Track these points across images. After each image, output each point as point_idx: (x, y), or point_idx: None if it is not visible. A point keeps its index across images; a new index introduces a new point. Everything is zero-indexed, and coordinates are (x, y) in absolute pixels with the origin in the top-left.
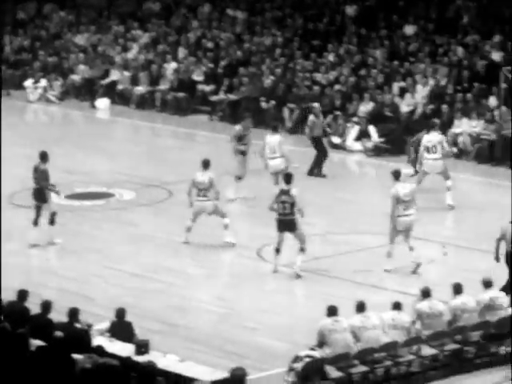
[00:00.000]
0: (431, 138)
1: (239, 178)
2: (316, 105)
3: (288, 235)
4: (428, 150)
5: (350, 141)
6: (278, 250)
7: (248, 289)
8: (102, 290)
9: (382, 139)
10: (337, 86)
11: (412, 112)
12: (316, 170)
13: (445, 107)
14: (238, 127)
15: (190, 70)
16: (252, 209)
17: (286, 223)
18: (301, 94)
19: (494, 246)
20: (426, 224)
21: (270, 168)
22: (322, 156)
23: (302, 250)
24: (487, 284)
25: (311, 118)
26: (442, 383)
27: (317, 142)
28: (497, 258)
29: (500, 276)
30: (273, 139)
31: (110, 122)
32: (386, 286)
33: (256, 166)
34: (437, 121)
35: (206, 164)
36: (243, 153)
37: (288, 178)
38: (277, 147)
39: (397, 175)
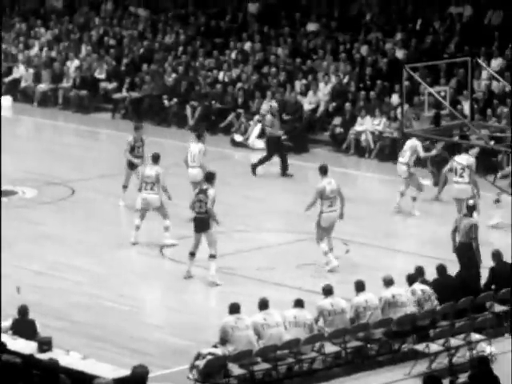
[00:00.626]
0: None
1: (125, 187)
2: (274, 104)
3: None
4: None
5: (253, 138)
6: (192, 254)
7: (151, 287)
8: (5, 287)
9: (284, 137)
10: (239, 84)
11: (314, 110)
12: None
13: (347, 105)
14: (130, 138)
15: (92, 67)
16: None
17: (200, 221)
18: (203, 92)
19: (451, 237)
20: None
21: (188, 177)
22: (270, 156)
23: (212, 256)
24: (388, 282)
25: (269, 117)
26: (344, 380)
27: (273, 142)
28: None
29: (403, 272)
30: (195, 148)
31: (13, 120)
32: (288, 284)
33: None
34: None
35: (155, 158)
36: (132, 166)
37: (209, 177)
38: (197, 157)
39: (324, 170)
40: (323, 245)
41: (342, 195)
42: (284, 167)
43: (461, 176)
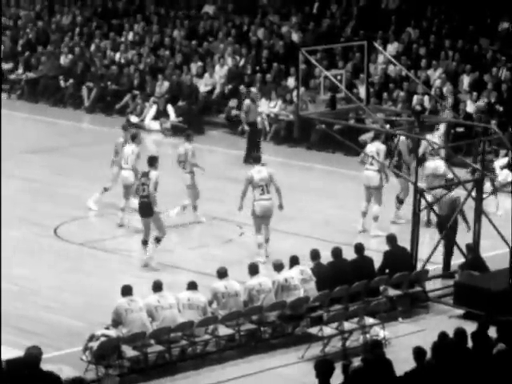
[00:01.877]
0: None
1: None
2: (254, 89)
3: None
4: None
5: (148, 120)
6: (145, 242)
7: (43, 267)
8: None
9: (179, 118)
10: (134, 65)
11: (210, 92)
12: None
13: (242, 87)
14: (119, 139)
15: None
16: (48, 187)
17: (143, 206)
18: (99, 73)
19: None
20: (223, 204)
21: (121, 179)
22: (255, 141)
23: (157, 240)
24: (279, 266)
25: (247, 102)
26: (237, 363)
27: (252, 127)
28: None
29: (299, 255)
30: (128, 149)
31: None
32: (182, 266)
33: None
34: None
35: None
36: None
37: (151, 161)
38: (130, 158)
39: (255, 159)
40: (259, 236)
41: (276, 184)
42: (248, 154)
43: (371, 164)
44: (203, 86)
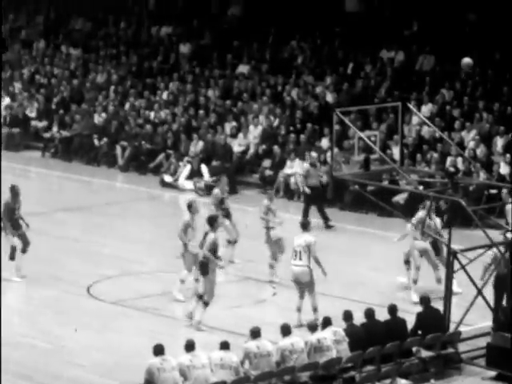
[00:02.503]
0: None
1: (233, 242)
2: (314, 154)
3: None
4: None
5: (182, 179)
6: (201, 297)
7: (77, 326)
8: None
9: (213, 178)
10: (169, 125)
11: (244, 152)
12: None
13: (276, 148)
14: (216, 191)
15: (23, 105)
16: (81, 246)
17: (202, 265)
18: (133, 132)
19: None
20: (256, 263)
21: None
22: (318, 205)
23: (205, 303)
24: (313, 327)
25: (306, 165)
26: None
27: (312, 191)
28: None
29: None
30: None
31: None
32: (214, 326)
33: None
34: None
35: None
36: (228, 215)
37: (210, 221)
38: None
39: (303, 226)
40: (298, 301)
41: (313, 254)
42: (325, 218)
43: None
44: (237, 145)
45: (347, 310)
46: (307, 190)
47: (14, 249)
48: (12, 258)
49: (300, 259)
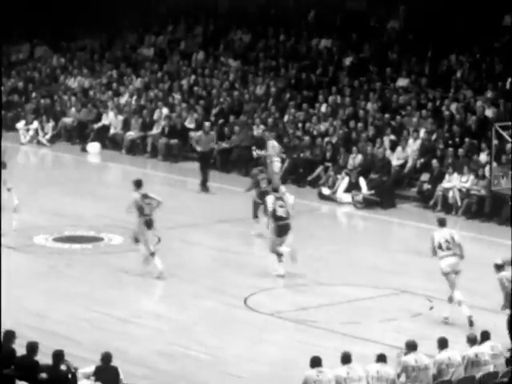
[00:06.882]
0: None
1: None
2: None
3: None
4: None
5: (340, 192)
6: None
7: (234, 337)
8: (89, 333)
9: (371, 191)
10: (328, 138)
11: (402, 165)
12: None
13: (435, 162)
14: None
15: (182, 116)
16: (239, 257)
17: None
18: (291, 145)
19: None
20: (412, 277)
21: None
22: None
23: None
24: (472, 340)
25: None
26: None
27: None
28: None
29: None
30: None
31: (101, 167)
32: (371, 338)
33: None
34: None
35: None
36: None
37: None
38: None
39: (442, 223)
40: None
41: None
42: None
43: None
44: (395, 159)
45: None
46: None
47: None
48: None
49: (448, 249)
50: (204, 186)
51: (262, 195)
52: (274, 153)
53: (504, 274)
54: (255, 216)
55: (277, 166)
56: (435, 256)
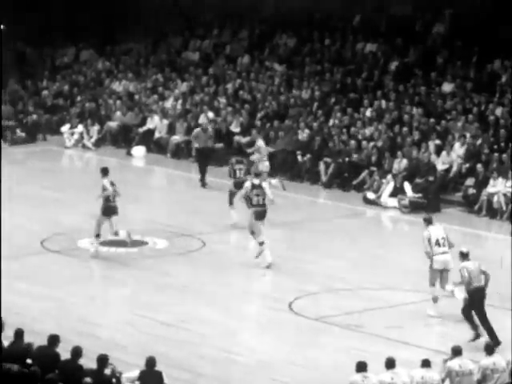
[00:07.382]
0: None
1: None
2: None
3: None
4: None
5: (385, 197)
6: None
7: (279, 341)
8: (134, 337)
9: (417, 195)
10: (373, 142)
11: (448, 170)
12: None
13: (480, 166)
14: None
15: (227, 120)
16: (284, 261)
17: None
18: (336, 149)
19: None
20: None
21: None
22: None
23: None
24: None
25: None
26: None
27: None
28: None
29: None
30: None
31: (146, 171)
32: (415, 343)
33: None
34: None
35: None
36: None
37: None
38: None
39: (429, 220)
40: (433, 289)
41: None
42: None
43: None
44: (440, 163)
45: None
46: None
47: None
48: None
49: (444, 246)
50: (203, 182)
51: (238, 185)
52: (263, 152)
53: (465, 265)
54: (230, 203)
55: (265, 165)
56: (430, 254)
